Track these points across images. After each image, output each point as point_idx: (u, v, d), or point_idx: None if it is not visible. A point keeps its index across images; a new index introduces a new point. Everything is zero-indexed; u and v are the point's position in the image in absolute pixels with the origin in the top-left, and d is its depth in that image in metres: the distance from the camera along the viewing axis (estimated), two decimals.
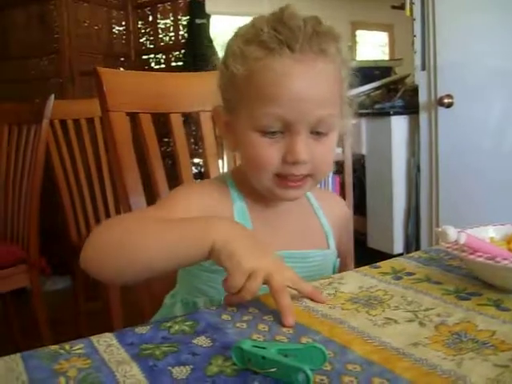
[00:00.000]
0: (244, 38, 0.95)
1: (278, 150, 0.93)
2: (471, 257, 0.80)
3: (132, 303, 1.32)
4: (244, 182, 1.03)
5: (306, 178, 0.96)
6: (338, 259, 1.12)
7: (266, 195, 1.01)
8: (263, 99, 0.91)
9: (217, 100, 1.03)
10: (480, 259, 0.79)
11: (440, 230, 0.79)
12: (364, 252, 3.60)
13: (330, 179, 3.44)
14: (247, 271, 0.74)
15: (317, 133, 0.94)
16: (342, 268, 1.11)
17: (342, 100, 0.99)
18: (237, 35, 0.98)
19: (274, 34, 0.90)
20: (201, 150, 1.47)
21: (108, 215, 2.86)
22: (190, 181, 1.10)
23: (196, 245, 0.79)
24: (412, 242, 3.64)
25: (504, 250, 0.87)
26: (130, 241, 0.80)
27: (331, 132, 0.96)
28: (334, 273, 1.07)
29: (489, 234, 0.95)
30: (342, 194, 3.39)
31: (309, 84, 0.91)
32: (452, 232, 0.78)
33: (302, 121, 0.91)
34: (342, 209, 1.24)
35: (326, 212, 1.13)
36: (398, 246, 3.69)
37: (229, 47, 0.99)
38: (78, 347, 0.65)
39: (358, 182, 3.55)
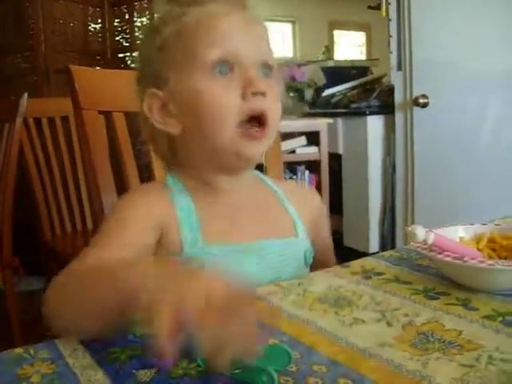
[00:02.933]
0: (166, 9, 0.97)
1: (235, 88, 0.89)
2: (439, 256, 0.80)
3: None
4: (188, 176, 0.99)
5: (264, 126, 0.91)
6: (312, 249, 1.05)
7: (225, 166, 0.95)
8: (206, 36, 0.90)
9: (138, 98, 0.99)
10: (448, 259, 0.79)
11: (409, 229, 0.80)
12: (340, 251, 3.60)
13: (306, 177, 3.45)
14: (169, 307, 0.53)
15: (266, 68, 0.93)
16: (324, 264, 1.06)
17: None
18: (157, 11, 1.00)
19: None
20: None
21: (82, 214, 2.84)
22: (124, 197, 0.96)
23: (113, 307, 0.64)
24: (388, 241, 3.67)
25: (472, 249, 0.87)
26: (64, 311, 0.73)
27: (273, 77, 0.95)
28: (306, 264, 1.02)
29: (458, 233, 0.95)
30: (319, 193, 3.41)
31: (245, 21, 0.93)
32: (420, 232, 0.79)
33: (249, 52, 0.90)
34: (314, 198, 1.18)
35: (293, 200, 1.07)
36: (374, 245, 3.71)
37: (151, 24, 0.99)
38: (42, 351, 0.64)
39: (334, 181, 3.56)
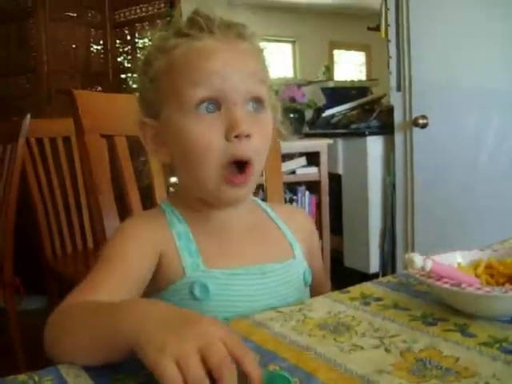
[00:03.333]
0: (160, 37, 0.96)
1: (219, 128, 0.89)
2: (437, 283, 0.81)
3: None
4: (184, 202, 1.00)
5: (248, 172, 0.91)
6: (310, 270, 1.06)
7: (210, 202, 0.96)
8: (192, 74, 0.90)
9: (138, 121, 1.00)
10: (446, 286, 0.80)
11: (407, 257, 0.81)
12: (340, 271, 3.63)
13: (307, 198, 3.46)
14: (172, 358, 0.57)
15: (255, 102, 0.93)
16: (320, 288, 1.09)
17: (267, 83, 0.97)
18: (153, 40, 0.99)
19: (191, 22, 0.93)
20: None
21: (83, 235, 2.86)
22: (123, 225, 1.00)
23: (109, 346, 0.67)
24: (388, 261, 3.67)
25: (470, 275, 0.88)
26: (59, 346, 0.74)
27: (265, 111, 0.95)
28: (305, 284, 1.04)
29: (456, 259, 0.96)
30: (319, 214, 3.44)
31: (234, 57, 0.91)
32: (418, 259, 0.80)
33: (235, 90, 0.89)
34: (307, 220, 1.18)
35: (288, 223, 1.08)
36: (374, 265, 3.71)
37: (146, 53, 0.99)
38: (46, 378, 0.65)
39: (334, 202, 3.57)
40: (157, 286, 0.93)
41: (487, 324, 0.78)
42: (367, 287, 0.98)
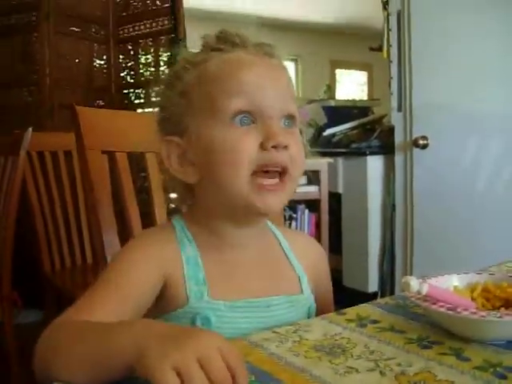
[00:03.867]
0: (189, 54, 0.96)
1: (255, 138, 0.87)
2: (433, 307, 0.82)
3: None
4: (199, 222, 0.97)
5: (283, 179, 0.90)
6: (315, 304, 1.04)
7: (238, 217, 0.94)
8: (228, 84, 0.89)
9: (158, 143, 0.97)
10: (441, 309, 0.80)
11: (403, 280, 0.81)
12: (339, 290, 3.60)
13: (306, 216, 3.46)
14: (172, 366, 0.58)
15: (287, 118, 0.92)
16: (323, 312, 1.03)
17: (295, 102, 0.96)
18: (181, 57, 0.97)
19: (222, 37, 0.93)
20: None
21: (83, 249, 2.86)
22: (131, 242, 0.97)
23: (105, 365, 0.67)
24: (387, 281, 3.66)
25: (466, 299, 0.88)
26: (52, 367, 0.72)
27: (296, 128, 0.95)
28: (309, 318, 1.00)
29: (453, 282, 0.96)
30: (318, 232, 3.44)
31: (268, 72, 0.91)
32: (414, 283, 0.80)
33: (272, 104, 0.89)
34: (316, 250, 1.16)
35: (298, 254, 1.05)
36: (373, 285, 3.71)
37: (174, 68, 0.98)
38: None
39: (333, 221, 3.57)
40: (157, 309, 0.91)
41: (482, 348, 0.78)
42: (364, 309, 0.98)
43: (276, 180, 0.90)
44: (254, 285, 0.96)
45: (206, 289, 0.91)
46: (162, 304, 0.91)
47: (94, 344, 0.70)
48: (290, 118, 0.93)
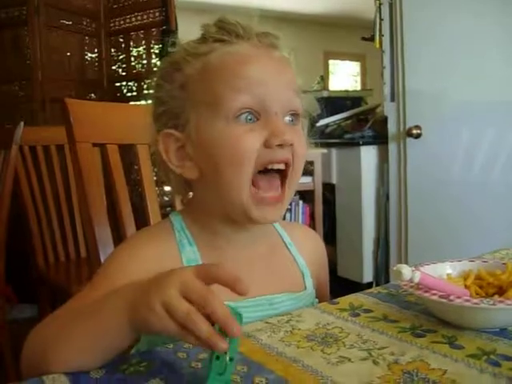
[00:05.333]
0: (190, 45, 0.91)
1: (259, 135, 0.85)
2: (426, 295, 0.81)
3: None
4: (199, 220, 0.95)
5: (283, 187, 0.89)
6: (317, 299, 1.04)
7: (237, 220, 0.91)
8: (232, 79, 0.85)
9: (152, 136, 0.95)
10: (434, 297, 0.80)
11: (395, 268, 0.80)
12: (334, 281, 3.61)
13: (300, 207, 3.46)
14: (161, 305, 0.62)
15: (292, 115, 0.90)
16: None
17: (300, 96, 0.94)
18: (179, 47, 0.93)
19: (225, 28, 0.89)
20: None
21: (76, 243, 2.85)
22: (130, 239, 0.98)
23: (108, 335, 0.68)
24: (381, 271, 3.67)
25: (459, 287, 0.88)
26: (47, 355, 0.71)
27: (299, 123, 0.92)
28: None
29: (446, 270, 0.96)
30: (312, 223, 3.43)
31: (272, 66, 0.89)
32: (406, 271, 0.79)
33: (276, 100, 0.86)
34: (317, 244, 1.14)
35: (299, 248, 1.04)
36: (368, 275, 3.71)
37: (170, 59, 0.93)
38: None
39: (327, 211, 3.58)
40: None
41: (475, 336, 0.78)
42: (356, 298, 0.97)
43: (277, 188, 0.89)
44: (257, 283, 0.91)
45: None
46: None
47: (86, 320, 0.70)
48: (294, 114, 0.91)
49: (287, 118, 0.90)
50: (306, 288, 1.01)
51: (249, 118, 0.86)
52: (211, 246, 0.94)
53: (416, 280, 0.80)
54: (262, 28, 0.92)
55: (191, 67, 0.89)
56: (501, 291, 0.89)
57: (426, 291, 0.82)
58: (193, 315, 0.61)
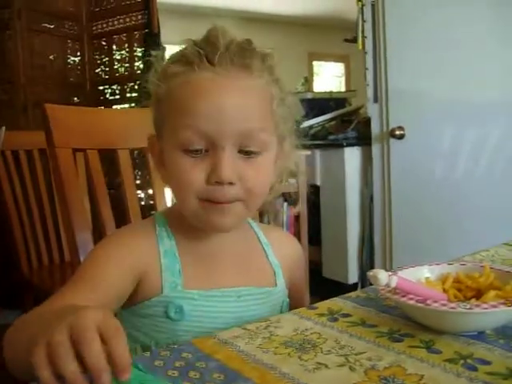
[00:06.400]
0: (170, 60, 0.95)
1: (202, 170, 0.88)
2: (403, 299, 0.81)
3: None
4: (176, 219, 0.99)
5: (235, 201, 0.91)
6: (288, 300, 1.07)
7: (197, 226, 0.95)
8: (181, 114, 0.88)
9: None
10: (411, 302, 0.80)
11: (371, 274, 0.80)
12: (319, 282, 3.63)
13: (285, 209, 3.46)
14: (46, 347, 0.56)
15: (246, 152, 0.89)
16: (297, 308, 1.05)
17: (275, 118, 0.94)
18: (166, 59, 0.97)
19: (196, 49, 0.90)
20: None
21: (60, 248, 2.83)
22: (110, 235, 1.09)
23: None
24: (366, 272, 3.67)
25: (436, 291, 0.88)
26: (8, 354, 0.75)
27: (265, 152, 0.92)
28: (281, 313, 1.02)
29: (424, 274, 0.96)
30: (297, 225, 3.43)
31: (230, 96, 0.88)
32: (383, 276, 0.79)
33: (225, 135, 0.86)
34: (294, 248, 1.17)
35: (275, 250, 1.08)
36: (353, 276, 3.72)
37: (153, 70, 0.97)
38: None
39: (312, 213, 3.58)
40: (134, 298, 0.94)
41: (453, 340, 0.78)
42: (335, 303, 0.97)
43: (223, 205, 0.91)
44: (228, 276, 0.99)
45: (180, 279, 0.93)
46: (138, 294, 0.94)
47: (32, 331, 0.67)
48: (250, 140, 0.90)
49: (240, 154, 0.90)
50: (276, 285, 1.04)
51: (193, 152, 0.88)
52: (188, 240, 0.98)
53: (393, 285, 0.80)
54: (242, 43, 0.92)
55: (161, 88, 0.93)
56: (479, 294, 0.89)
57: (404, 296, 0.82)
58: (62, 349, 0.55)
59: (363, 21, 3.40)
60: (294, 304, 1.07)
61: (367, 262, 3.67)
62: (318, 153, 3.78)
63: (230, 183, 0.88)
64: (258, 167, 0.91)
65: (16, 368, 0.74)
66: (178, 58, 0.93)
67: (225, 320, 0.94)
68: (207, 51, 0.89)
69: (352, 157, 3.66)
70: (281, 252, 1.09)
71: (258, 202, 0.96)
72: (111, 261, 0.91)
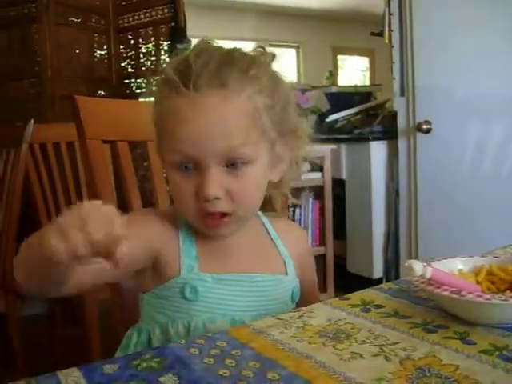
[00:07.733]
0: (163, 77, 0.97)
1: (193, 185, 0.94)
2: (437, 291, 0.81)
3: (110, 328, 1.32)
4: None
5: (226, 216, 0.96)
6: (299, 288, 1.10)
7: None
8: (169, 138, 0.95)
9: None
10: (446, 293, 0.80)
11: (406, 264, 0.80)
12: (344, 276, 3.62)
13: (310, 204, 3.45)
14: (59, 234, 0.66)
15: (232, 165, 0.93)
16: (309, 302, 1.04)
17: (263, 127, 0.95)
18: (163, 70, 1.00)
19: (177, 72, 0.93)
20: None
21: None
22: (145, 209, 1.20)
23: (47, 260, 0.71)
24: (391, 267, 3.66)
25: (471, 282, 0.88)
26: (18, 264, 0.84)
27: (251, 163, 0.95)
28: (292, 301, 1.07)
29: (457, 266, 0.96)
30: (322, 219, 3.43)
31: (207, 120, 0.91)
32: (418, 267, 0.79)
33: (207, 155, 0.91)
34: (303, 239, 1.25)
35: (285, 241, 1.12)
36: (378, 271, 3.71)
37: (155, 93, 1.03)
38: None
39: (337, 207, 3.57)
40: (154, 280, 1.00)
41: (487, 331, 0.77)
42: (368, 294, 0.97)
43: (218, 219, 0.97)
44: (241, 262, 1.04)
45: (196, 263, 0.99)
46: (158, 276, 1.00)
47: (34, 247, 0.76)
48: (234, 156, 0.93)
49: (227, 168, 0.94)
50: (287, 274, 1.08)
51: (185, 169, 0.95)
52: (203, 234, 1.02)
53: (427, 275, 0.80)
54: (220, 59, 0.93)
55: (154, 108, 1.00)
56: None
57: (438, 287, 0.82)
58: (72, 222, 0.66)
59: (390, 14, 3.38)
60: (306, 299, 1.10)
61: (392, 257, 3.65)
62: (343, 147, 3.77)
63: (217, 198, 0.93)
64: (246, 179, 0.95)
65: (32, 279, 0.83)
66: (166, 79, 0.95)
67: (236, 302, 1.00)
68: (183, 75, 0.92)
69: (378, 151, 3.65)
70: (290, 243, 1.13)
71: (250, 211, 1.02)
72: (133, 226, 0.89)
